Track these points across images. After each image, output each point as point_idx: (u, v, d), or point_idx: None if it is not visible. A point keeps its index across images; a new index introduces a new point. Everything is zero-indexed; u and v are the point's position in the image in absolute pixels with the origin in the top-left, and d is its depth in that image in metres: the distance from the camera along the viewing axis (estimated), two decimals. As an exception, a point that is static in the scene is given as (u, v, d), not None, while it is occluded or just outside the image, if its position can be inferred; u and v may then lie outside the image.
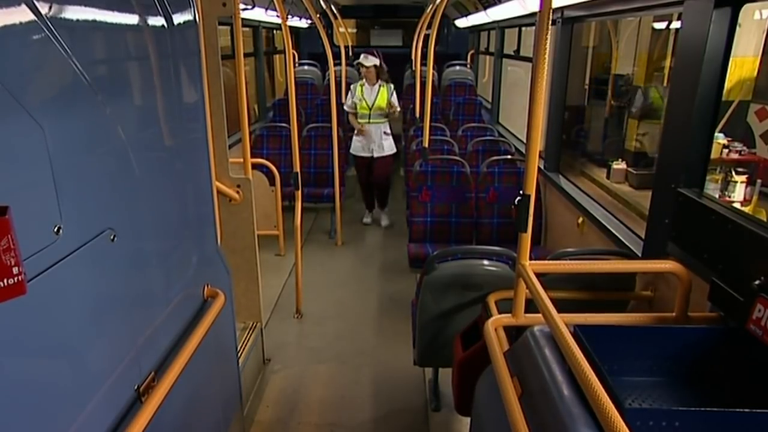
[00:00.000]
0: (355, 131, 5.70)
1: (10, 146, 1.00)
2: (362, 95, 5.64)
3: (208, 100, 2.15)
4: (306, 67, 8.62)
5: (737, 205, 4.13)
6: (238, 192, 2.97)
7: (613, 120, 7.74)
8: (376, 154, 5.67)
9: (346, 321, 3.95)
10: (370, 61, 5.48)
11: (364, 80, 5.64)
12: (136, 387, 1.50)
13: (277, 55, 9.03)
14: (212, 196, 2.20)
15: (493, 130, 5.98)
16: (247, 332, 3.23)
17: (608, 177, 6.77)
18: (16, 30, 1.01)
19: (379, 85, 5.59)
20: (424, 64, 6.18)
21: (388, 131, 5.74)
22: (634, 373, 1.57)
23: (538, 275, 1.74)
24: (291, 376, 3.35)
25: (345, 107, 5.81)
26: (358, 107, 5.63)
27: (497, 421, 1.59)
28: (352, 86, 5.72)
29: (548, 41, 1.58)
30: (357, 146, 5.74)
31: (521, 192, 1.75)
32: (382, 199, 6.05)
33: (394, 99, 5.60)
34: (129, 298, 1.47)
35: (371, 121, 5.60)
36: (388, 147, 5.72)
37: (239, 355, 2.80)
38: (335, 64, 5.35)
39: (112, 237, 1.34)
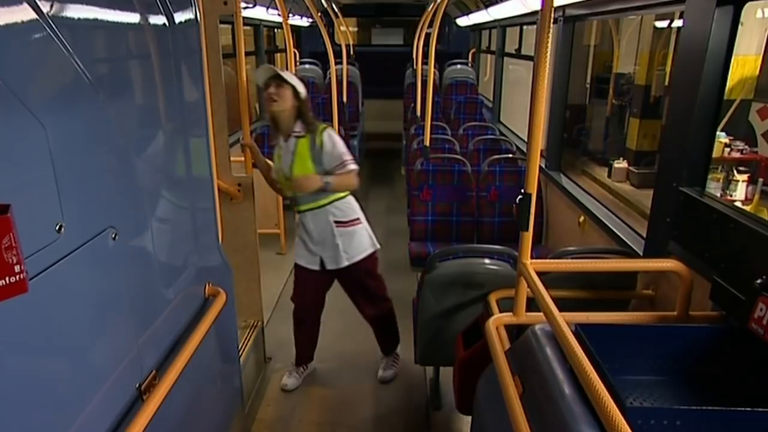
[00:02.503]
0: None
1: (11, 144, 1.00)
2: (279, 156, 2.91)
3: (210, 98, 2.15)
4: (307, 66, 8.61)
5: (739, 204, 4.14)
6: (239, 190, 2.97)
7: (615, 119, 7.75)
8: (330, 265, 2.97)
9: (347, 319, 3.94)
10: (265, 72, 2.77)
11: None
12: (137, 385, 1.50)
13: (279, 54, 9.03)
14: (213, 194, 2.20)
15: (494, 129, 5.97)
16: (248, 331, 3.23)
17: (609, 176, 6.79)
18: (18, 29, 1.01)
19: (296, 137, 2.81)
20: (425, 62, 6.17)
21: (344, 218, 2.92)
22: (635, 372, 1.57)
23: (540, 274, 1.74)
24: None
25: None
26: (278, 178, 2.96)
27: (498, 420, 1.59)
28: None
29: (550, 40, 1.58)
30: (299, 247, 3.04)
31: (522, 191, 1.75)
32: (382, 337, 3.35)
33: (334, 149, 2.78)
34: (130, 297, 1.48)
35: (302, 207, 2.91)
36: (356, 247, 2.96)
37: (240, 353, 2.80)
38: (336, 63, 5.34)
39: (113, 235, 1.34)
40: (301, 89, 2.81)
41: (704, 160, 2.03)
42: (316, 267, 3.00)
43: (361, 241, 2.98)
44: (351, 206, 2.97)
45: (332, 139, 2.80)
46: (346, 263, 2.95)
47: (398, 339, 3.39)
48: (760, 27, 5.24)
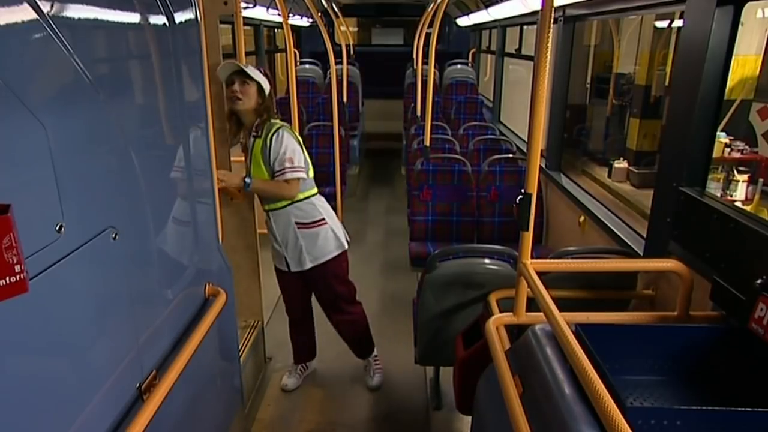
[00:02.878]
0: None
1: (12, 144, 1.00)
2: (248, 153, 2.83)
3: (210, 98, 2.15)
4: (307, 66, 8.62)
5: (739, 204, 4.13)
6: (239, 190, 2.97)
7: (615, 119, 7.76)
8: (293, 267, 2.89)
9: (347, 320, 3.95)
10: (226, 68, 2.61)
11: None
12: (137, 385, 1.50)
13: (279, 54, 9.03)
14: (214, 194, 2.20)
15: (494, 129, 5.98)
16: (248, 331, 3.23)
17: (610, 176, 6.79)
18: (18, 29, 1.01)
19: (254, 137, 2.71)
20: (425, 62, 6.17)
21: (306, 219, 2.80)
22: (635, 372, 1.57)
23: (540, 274, 1.74)
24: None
25: None
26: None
27: (498, 420, 1.59)
28: None
29: (550, 40, 1.58)
30: (272, 247, 2.96)
31: (523, 191, 1.75)
32: (355, 344, 3.26)
33: (279, 153, 2.64)
34: (130, 297, 1.48)
35: (266, 207, 2.86)
36: (320, 248, 2.84)
37: (240, 353, 2.80)
38: (336, 63, 5.34)
39: (113, 235, 1.34)
40: (266, 86, 2.67)
41: (704, 160, 2.03)
42: (284, 267, 2.94)
43: (326, 242, 2.84)
44: (315, 206, 2.82)
45: (280, 140, 2.63)
46: (310, 265, 2.85)
47: (372, 343, 3.30)
48: (760, 27, 5.24)
